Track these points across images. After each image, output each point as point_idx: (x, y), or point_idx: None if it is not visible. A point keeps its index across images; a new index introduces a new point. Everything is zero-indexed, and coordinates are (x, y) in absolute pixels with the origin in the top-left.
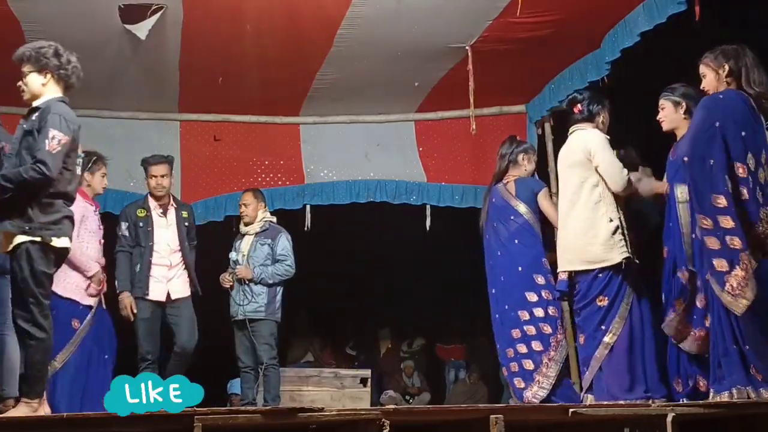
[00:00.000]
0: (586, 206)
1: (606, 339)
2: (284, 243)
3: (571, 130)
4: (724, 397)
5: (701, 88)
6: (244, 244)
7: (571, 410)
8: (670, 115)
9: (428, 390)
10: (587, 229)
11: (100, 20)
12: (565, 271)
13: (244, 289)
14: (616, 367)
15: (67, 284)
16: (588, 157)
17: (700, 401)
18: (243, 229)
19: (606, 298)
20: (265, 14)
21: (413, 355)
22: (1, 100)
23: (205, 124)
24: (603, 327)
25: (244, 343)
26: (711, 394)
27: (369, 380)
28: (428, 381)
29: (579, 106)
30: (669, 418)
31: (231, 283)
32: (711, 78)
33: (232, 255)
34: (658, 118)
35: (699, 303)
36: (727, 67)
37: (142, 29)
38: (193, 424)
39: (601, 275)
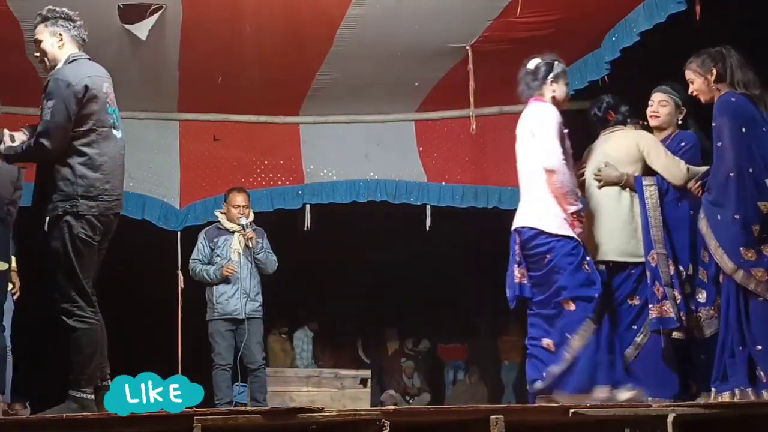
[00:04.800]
0: (632, 200)
1: (637, 339)
2: (267, 242)
3: (609, 131)
4: (726, 397)
5: (690, 92)
6: (236, 242)
7: (571, 410)
8: (669, 114)
9: (428, 390)
10: (630, 222)
11: (99, 19)
12: (602, 262)
13: (245, 288)
14: (646, 367)
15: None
16: (638, 154)
17: (701, 402)
18: (230, 225)
19: (638, 297)
20: (265, 14)
21: (417, 356)
22: (1, 99)
23: (204, 124)
24: (635, 327)
25: (228, 340)
26: (713, 394)
27: (369, 381)
28: (428, 382)
29: (612, 112)
30: (670, 419)
31: (233, 271)
32: (700, 83)
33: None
34: (652, 112)
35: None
36: (715, 72)
37: (141, 29)
38: (193, 425)
39: (634, 271)
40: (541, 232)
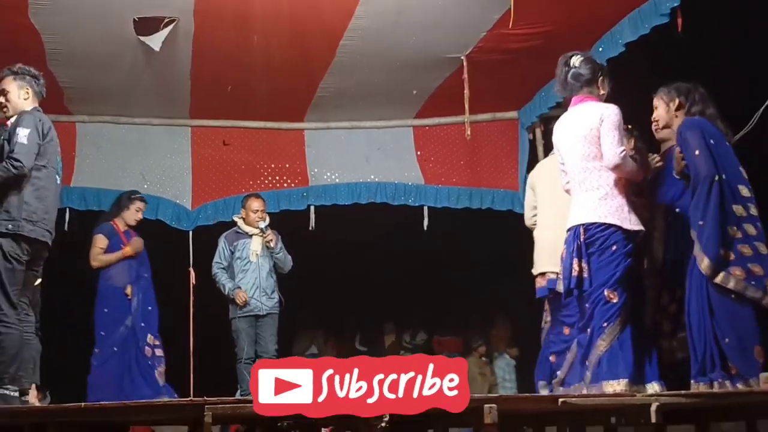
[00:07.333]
0: None
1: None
2: (281, 243)
3: None
4: (704, 387)
5: (652, 118)
6: (255, 245)
7: (560, 400)
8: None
9: None
10: None
11: (116, 32)
12: (553, 272)
13: (264, 287)
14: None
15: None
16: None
17: (683, 391)
18: (248, 229)
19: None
20: (272, 26)
21: (414, 348)
22: None
23: (214, 130)
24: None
25: (250, 336)
26: (692, 386)
27: None
28: None
29: None
30: (653, 408)
31: (245, 301)
32: (662, 109)
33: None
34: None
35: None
36: (677, 101)
37: (155, 41)
38: (204, 413)
39: None
40: (609, 226)
